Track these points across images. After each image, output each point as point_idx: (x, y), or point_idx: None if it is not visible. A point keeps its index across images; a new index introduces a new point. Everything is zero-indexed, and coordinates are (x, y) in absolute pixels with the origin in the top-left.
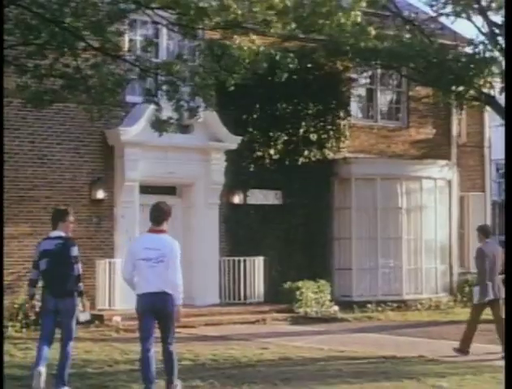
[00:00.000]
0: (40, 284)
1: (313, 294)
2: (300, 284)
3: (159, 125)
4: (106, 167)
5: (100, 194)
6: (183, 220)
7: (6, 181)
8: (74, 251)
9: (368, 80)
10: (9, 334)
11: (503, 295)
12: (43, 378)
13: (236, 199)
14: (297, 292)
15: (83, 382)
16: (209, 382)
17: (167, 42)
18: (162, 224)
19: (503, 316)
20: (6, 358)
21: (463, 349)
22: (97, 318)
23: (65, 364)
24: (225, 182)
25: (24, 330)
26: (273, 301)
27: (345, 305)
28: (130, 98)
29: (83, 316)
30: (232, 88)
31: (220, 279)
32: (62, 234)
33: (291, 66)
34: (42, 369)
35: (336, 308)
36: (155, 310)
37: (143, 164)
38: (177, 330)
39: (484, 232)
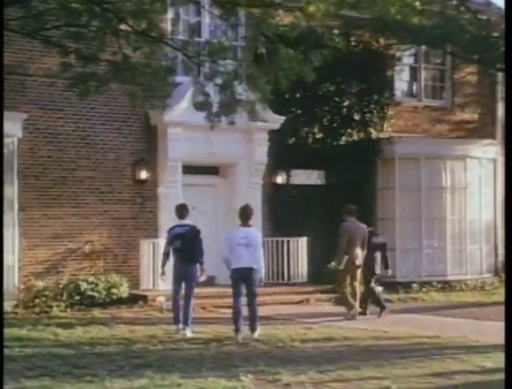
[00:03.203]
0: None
1: None
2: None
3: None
4: (149, 147)
5: (144, 175)
6: (226, 200)
7: (50, 162)
8: (198, 234)
9: (411, 59)
10: (54, 313)
11: (360, 263)
12: (182, 327)
13: (279, 179)
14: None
15: (127, 361)
16: (253, 362)
17: (209, 21)
18: (248, 220)
19: (357, 283)
20: (51, 337)
21: (362, 311)
22: (141, 299)
23: (188, 311)
24: (268, 162)
25: (69, 310)
26: (317, 282)
27: (389, 286)
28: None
29: (202, 278)
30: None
31: (264, 260)
32: (189, 222)
33: (337, 41)
34: (181, 325)
35: (380, 289)
36: (244, 279)
37: (186, 144)
38: (222, 311)
39: (347, 211)
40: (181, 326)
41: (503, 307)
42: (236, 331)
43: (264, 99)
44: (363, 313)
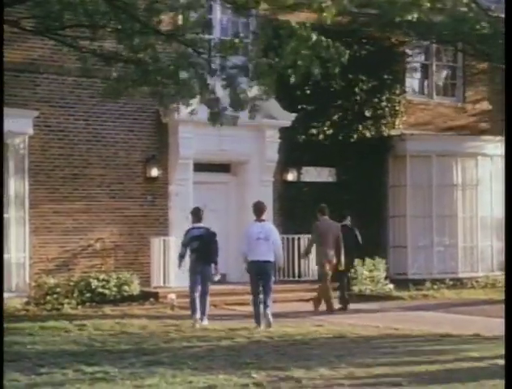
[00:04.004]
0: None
1: (367, 272)
2: (354, 261)
3: (212, 117)
4: (160, 145)
5: (155, 172)
6: (237, 197)
7: (61, 159)
8: (214, 236)
9: (423, 56)
10: (64, 311)
11: (332, 260)
12: (199, 318)
13: (290, 177)
14: (352, 270)
15: (138, 358)
16: (263, 359)
17: (220, 18)
18: (262, 215)
19: (328, 278)
20: (62, 334)
21: (316, 308)
22: (152, 296)
23: (205, 306)
24: (279, 160)
25: (79, 307)
26: None
27: (400, 283)
28: (182, 74)
29: (216, 277)
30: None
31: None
32: (203, 225)
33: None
34: (197, 315)
35: (391, 286)
36: (261, 271)
37: (197, 141)
38: (233, 308)
39: (320, 210)
40: (198, 316)
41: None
42: (258, 318)
43: (269, 92)
44: (343, 308)
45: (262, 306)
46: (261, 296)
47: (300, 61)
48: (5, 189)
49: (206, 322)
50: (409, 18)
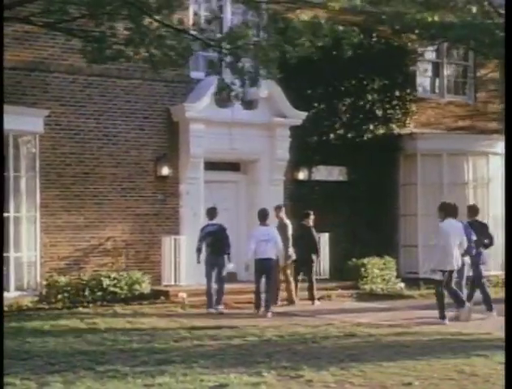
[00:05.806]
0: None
1: (378, 271)
2: (365, 260)
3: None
4: (171, 143)
5: (165, 171)
6: (247, 196)
7: (72, 158)
8: (225, 230)
9: (434, 54)
10: (76, 310)
11: (294, 258)
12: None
13: (301, 176)
14: (363, 269)
15: (150, 356)
16: (275, 357)
17: (231, 18)
18: (266, 220)
19: (290, 276)
20: (73, 333)
21: (290, 301)
22: (163, 294)
23: (221, 292)
24: (290, 158)
25: (91, 306)
26: (338, 278)
27: (411, 282)
28: (194, 74)
29: (230, 266)
30: (297, 63)
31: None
32: (217, 222)
33: (355, 40)
34: (213, 309)
35: (402, 285)
36: (265, 267)
37: (208, 140)
38: (243, 306)
39: (281, 210)
40: (213, 310)
41: None
42: (257, 306)
43: (270, 70)
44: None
45: (263, 295)
46: (263, 286)
47: (304, 38)
48: (18, 187)
49: (221, 307)
50: (419, 17)
